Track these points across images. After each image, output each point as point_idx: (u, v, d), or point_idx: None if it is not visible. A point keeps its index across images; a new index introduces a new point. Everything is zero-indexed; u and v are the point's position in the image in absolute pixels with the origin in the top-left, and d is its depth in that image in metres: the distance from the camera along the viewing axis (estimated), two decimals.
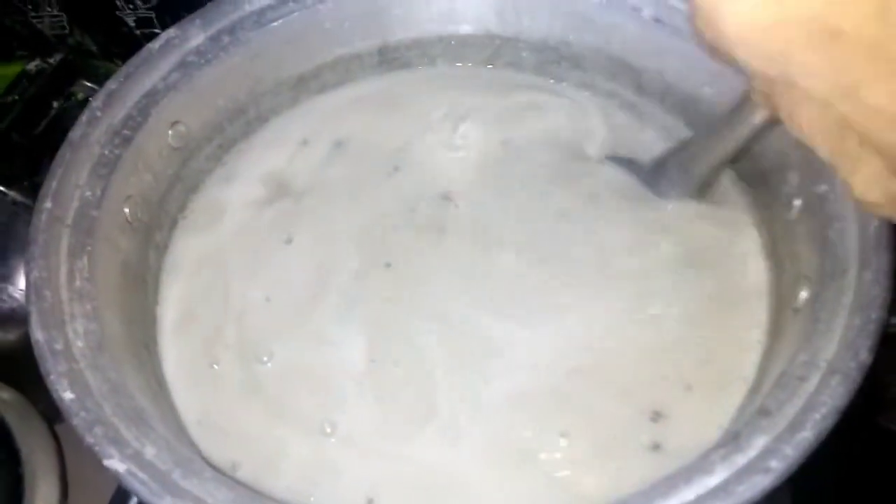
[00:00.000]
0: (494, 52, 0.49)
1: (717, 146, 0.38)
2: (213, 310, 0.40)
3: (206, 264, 0.42)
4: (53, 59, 0.44)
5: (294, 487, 0.33)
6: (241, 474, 0.34)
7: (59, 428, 0.54)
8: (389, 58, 0.50)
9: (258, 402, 0.37)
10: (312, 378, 0.37)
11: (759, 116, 0.34)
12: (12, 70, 0.49)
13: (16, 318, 0.57)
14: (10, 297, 0.57)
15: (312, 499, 0.33)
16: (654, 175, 0.42)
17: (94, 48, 0.60)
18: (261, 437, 0.35)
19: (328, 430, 0.35)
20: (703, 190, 0.41)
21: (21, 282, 0.57)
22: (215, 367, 0.38)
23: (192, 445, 0.34)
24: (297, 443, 0.35)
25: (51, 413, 0.54)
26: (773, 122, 0.33)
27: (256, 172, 0.46)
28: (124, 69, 0.41)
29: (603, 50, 0.46)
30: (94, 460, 0.56)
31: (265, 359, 0.38)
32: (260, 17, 0.44)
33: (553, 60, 0.49)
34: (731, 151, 0.37)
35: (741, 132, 0.36)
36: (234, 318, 0.40)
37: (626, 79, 0.47)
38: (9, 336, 0.58)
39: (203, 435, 0.35)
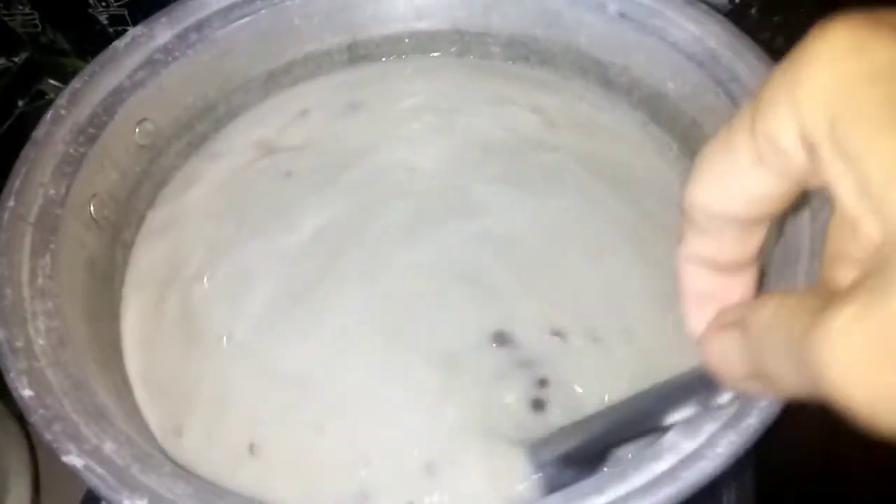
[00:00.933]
0: (464, 47, 0.50)
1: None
2: (175, 307, 0.40)
3: (169, 261, 0.43)
4: (19, 58, 0.44)
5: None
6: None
7: (32, 427, 0.54)
8: (359, 54, 0.50)
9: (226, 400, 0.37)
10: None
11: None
12: None
13: None
14: None
15: None
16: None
17: (66, 46, 0.60)
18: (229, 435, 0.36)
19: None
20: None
21: None
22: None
23: (155, 443, 0.35)
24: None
25: (21, 413, 0.54)
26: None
27: (222, 168, 0.46)
28: (89, 67, 0.41)
29: (571, 45, 0.47)
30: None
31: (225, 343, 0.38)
32: (227, 15, 0.44)
33: (522, 56, 0.49)
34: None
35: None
36: (196, 311, 0.40)
37: (593, 74, 0.47)
38: None
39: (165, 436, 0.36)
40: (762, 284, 0.33)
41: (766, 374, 0.19)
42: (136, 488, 0.26)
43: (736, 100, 0.38)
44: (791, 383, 0.17)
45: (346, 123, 0.47)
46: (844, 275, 0.17)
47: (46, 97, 0.50)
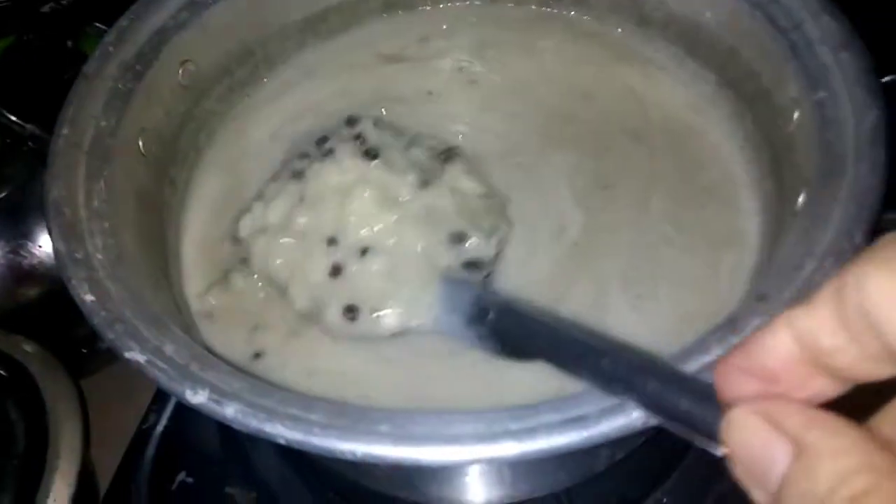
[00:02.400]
0: None
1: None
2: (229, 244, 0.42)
3: (222, 200, 0.44)
4: (66, 1, 0.45)
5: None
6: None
7: (82, 382, 0.56)
8: (394, 3, 0.51)
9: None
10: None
11: None
12: None
13: (36, 274, 0.58)
14: (31, 253, 0.59)
15: None
16: None
17: None
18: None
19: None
20: None
21: (41, 239, 0.58)
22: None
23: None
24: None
25: (73, 369, 0.56)
26: None
27: (276, 114, 0.47)
28: (135, 7, 0.42)
29: None
30: (115, 414, 0.57)
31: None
32: None
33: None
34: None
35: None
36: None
37: (627, 11, 0.47)
38: (30, 292, 0.59)
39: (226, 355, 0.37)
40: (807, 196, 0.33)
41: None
42: (197, 381, 0.27)
43: (774, 20, 0.38)
44: None
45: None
46: None
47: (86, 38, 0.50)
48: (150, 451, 0.51)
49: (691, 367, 0.27)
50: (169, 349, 0.29)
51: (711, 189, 0.41)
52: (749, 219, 0.40)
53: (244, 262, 0.41)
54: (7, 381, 0.56)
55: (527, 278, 0.38)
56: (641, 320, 0.36)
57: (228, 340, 0.38)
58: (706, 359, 0.27)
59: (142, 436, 0.51)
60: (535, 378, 0.32)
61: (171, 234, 0.42)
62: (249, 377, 0.29)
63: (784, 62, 0.38)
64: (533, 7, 0.50)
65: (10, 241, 0.59)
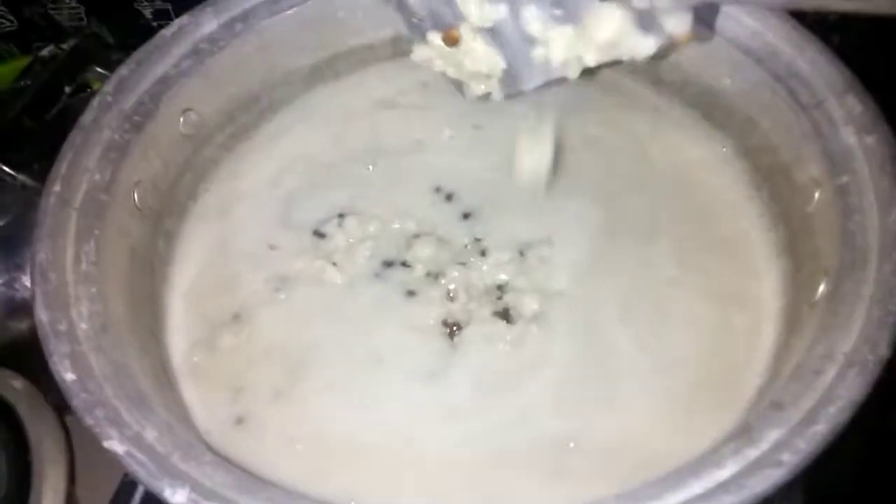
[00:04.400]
0: None
1: None
2: (221, 297, 0.40)
3: (215, 250, 0.42)
4: (67, 45, 0.44)
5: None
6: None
7: (68, 419, 0.55)
8: (403, 50, 0.50)
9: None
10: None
11: None
12: (27, 61, 0.49)
13: (28, 308, 0.57)
14: (24, 286, 0.57)
15: None
16: None
17: (110, 40, 0.61)
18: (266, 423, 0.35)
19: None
20: None
21: None
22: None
23: (195, 431, 0.34)
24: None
25: (61, 403, 0.54)
26: None
27: (268, 162, 0.46)
28: (136, 55, 0.41)
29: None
30: (102, 450, 0.56)
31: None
32: (273, 5, 0.44)
33: None
34: None
35: None
36: (242, 305, 0.40)
37: (642, 70, 0.46)
38: (21, 325, 0.58)
39: (208, 418, 0.35)
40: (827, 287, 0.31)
41: None
42: (177, 476, 0.26)
43: (796, 96, 0.37)
44: None
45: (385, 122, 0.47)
46: None
47: (89, 90, 0.50)
48: (139, 494, 0.49)
49: (704, 482, 0.25)
50: (150, 435, 0.27)
51: (722, 241, 0.40)
52: (763, 284, 0.38)
53: (236, 318, 0.39)
54: None
55: None
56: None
57: (210, 403, 0.37)
58: (721, 473, 0.25)
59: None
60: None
61: (160, 287, 0.40)
62: (234, 468, 0.27)
63: (805, 141, 0.36)
64: None
65: (3, 274, 0.57)
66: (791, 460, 0.25)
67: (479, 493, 0.34)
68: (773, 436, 0.26)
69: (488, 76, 0.38)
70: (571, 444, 0.34)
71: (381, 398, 0.37)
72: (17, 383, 0.56)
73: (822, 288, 0.32)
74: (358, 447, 0.35)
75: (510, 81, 0.38)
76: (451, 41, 0.37)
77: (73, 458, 0.55)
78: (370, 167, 0.45)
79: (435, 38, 0.38)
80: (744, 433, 0.26)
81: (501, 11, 0.35)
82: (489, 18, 0.36)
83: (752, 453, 0.25)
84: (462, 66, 0.38)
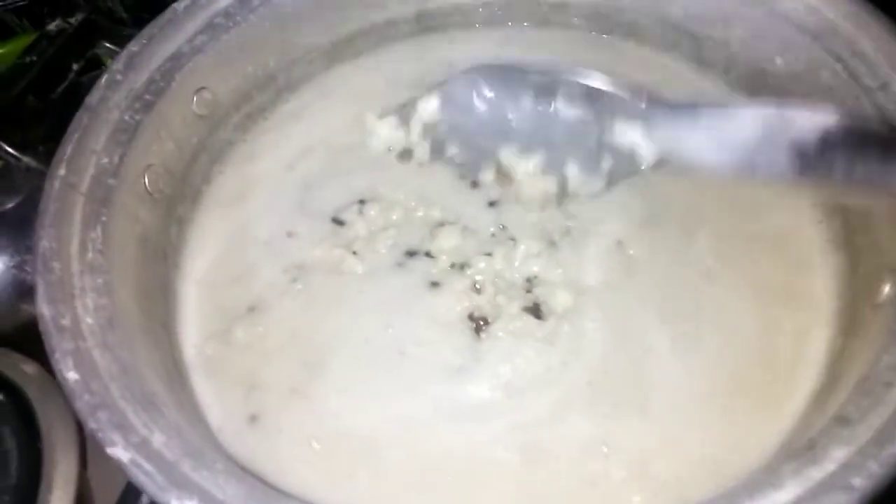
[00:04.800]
0: (542, 18, 0.46)
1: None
2: (237, 288, 0.38)
3: (231, 237, 0.40)
4: (75, 20, 0.42)
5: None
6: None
7: None
8: (427, 24, 0.47)
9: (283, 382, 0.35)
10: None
11: None
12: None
13: None
14: None
15: None
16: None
17: (123, 14, 0.58)
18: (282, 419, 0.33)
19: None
20: None
21: None
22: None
23: (208, 431, 0.32)
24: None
25: (69, 397, 0.53)
26: None
27: (286, 143, 0.43)
28: (147, 30, 0.38)
29: (661, 16, 0.43)
30: None
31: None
32: None
33: (605, 29, 0.45)
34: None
35: None
36: (258, 297, 0.38)
37: (685, 48, 0.43)
38: (33, 309, 0.56)
39: (221, 416, 0.33)
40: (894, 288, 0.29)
41: None
42: (185, 487, 0.24)
43: (857, 77, 0.34)
44: None
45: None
46: None
47: (103, 67, 0.48)
48: None
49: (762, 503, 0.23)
50: (158, 440, 0.25)
51: (769, 234, 0.37)
52: (815, 282, 0.35)
53: (252, 310, 0.37)
54: (3, 405, 0.54)
55: None
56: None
57: (224, 399, 0.35)
58: (779, 496, 0.23)
59: None
60: None
61: (174, 276, 0.38)
62: (247, 477, 0.25)
63: None
64: (582, 32, 0.46)
65: (14, 256, 0.56)
66: (863, 486, 0.22)
67: (507, 497, 0.32)
68: (839, 455, 0.23)
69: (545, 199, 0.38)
70: (604, 449, 0.32)
71: (403, 395, 0.34)
72: (29, 368, 0.55)
73: (887, 288, 0.30)
74: (379, 446, 0.33)
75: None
76: (505, 182, 0.39)
77: (84, 444, 0.54)
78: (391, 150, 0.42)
79: (487, 176, 0.40)
80: (806, 450, 0.24)
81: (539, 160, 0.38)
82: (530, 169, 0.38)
83: (817, 474, 0.23)
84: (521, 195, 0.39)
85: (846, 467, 0.23)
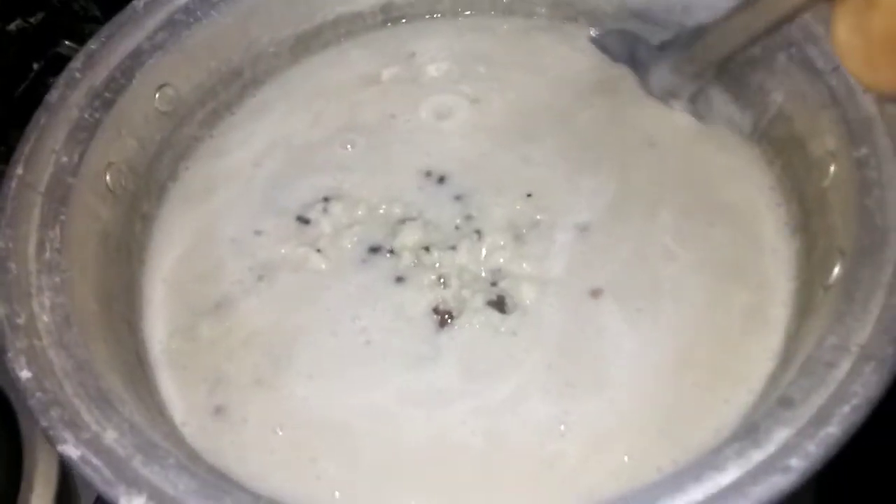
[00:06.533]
0: (506, 6, 0.46)
1: (738, 31, 0.34)
2: (204, 285, 0.38)
3: (197, 233, 0.40)
4: (35, 19, 0.42)
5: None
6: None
7: None
8: (393, 16, 0.47)
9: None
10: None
11: None
12: None
13: None
14: None
15: None
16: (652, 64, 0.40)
17: (97, 13, 0.58)
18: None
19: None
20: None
21: None
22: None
23: (171, 426, 0.32)
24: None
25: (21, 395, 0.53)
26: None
27: (251, 139, 0.43)
28: (106, 28, 0.38)
29: (624, 3, 0.43)
30: None
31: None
32: None
33: (570, 17, 0.45)
34: (762, 31, 0.33)
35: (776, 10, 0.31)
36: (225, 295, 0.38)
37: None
38: None
39: (185, 410, 0.34)
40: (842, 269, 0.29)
41: None
42: (134, 483, 0.24)
43: (810, 61, 0.34)
44: None
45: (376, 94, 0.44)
46: None
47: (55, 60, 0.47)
48: None
49: (706, 486, 0.23)
50: (110, 437, 0.26)
51: (728, 214, 0.37)
52: (772, 263, 0.36)
53: (218, 306, 0.37)
54: None
55: None
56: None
57: (188, 393, 0.35)
58: (722, 478, 0.23)
59: None
60: None
61: (139, 273, 0.38)
62: (199, 474, 0.25)
63: (821, 109, 0.34)
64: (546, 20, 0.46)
65: None
66: (799, 466, 0.22)
67: (469, 479, 0.32)
68: (780, 437, 0.24)
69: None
70: (562, 428, 0.32)
71: (368, 382, 0.35)
72: None
73: (836, 270, 0.30)
74: (344, 432, 0.33)
75: None
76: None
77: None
78: (350, 146, 0.42)
79: None
80: (749, 432, 0.24)
81: None
82: None
83: (757, 456, 0.23)
84: None
85: (786, 448, 0.23)
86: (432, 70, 0.44)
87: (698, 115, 0.40)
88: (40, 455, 0.52)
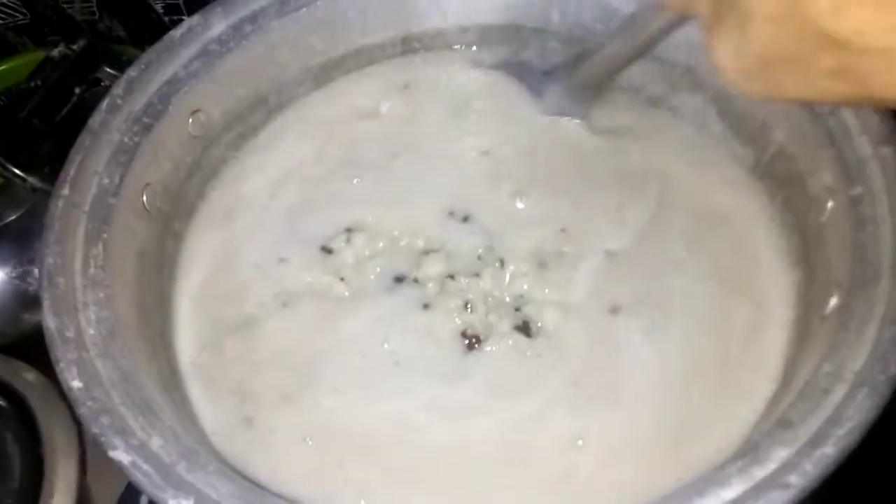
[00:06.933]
0: (522, 43, 0.48)
1: (617, 53, 0.39)
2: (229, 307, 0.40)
3: (223, 254, 0.42)
4: (77, 46, 0.44)
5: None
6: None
7: None
8: (413, 47, 0.49)
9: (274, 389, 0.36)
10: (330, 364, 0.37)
11: (661, 19, 0.35)
12: (40, 56, 0.49)
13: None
14: (37, 280, 0.58)
15: None
16: (546, 84, 0.45)
17: (122, 34, 0.61)
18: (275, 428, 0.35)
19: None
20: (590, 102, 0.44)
21: None
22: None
23: (202, 435, 0.34)
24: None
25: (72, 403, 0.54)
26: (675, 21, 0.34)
27: (276, 161, 0.46)
28: (145, 57, 0.41)
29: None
30: None
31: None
32: (283, 6, 0.44)
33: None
34: (630, 56, 0.39)
35: (645, 35, 0.37)
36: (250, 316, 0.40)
37: (656, 74, 0.45)
38: (34, 318, 0.58)
39: (215, 420, 0.35)
40: (838, 301, 0.31)
41: None
42: (181, 487, 0.26)
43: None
44: None
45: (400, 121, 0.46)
46: None
47: (102, 83, 0.50)
48: None
49: (710, 501, 0.25)
50: (156, 444, 0.27)
51: (735, 248, 0.40)
52: (773, 289, 0.38)
53: (243, 326, 0.39)
54: (5, 411, 0.55)
55: None
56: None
57: (217, 404, 0.37)
58: (726, 493, 0.25)
59: None
60: None
61: (170, 289, 0.40)
62: (239, 478, 0.27)
63: (820, 148, 0.36)
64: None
65: (17, 267, 0.58)
66: (798, 483, 0.24)
67: (489, 490, 0.34)
68: (780, 455, 0.25)
69: None
70: (580, 443, 0.34)
71: (396, 395, 0.36)
72: (30, 375, 0.57)
73: (833, 301, 0.32)
74: (370, 441, 0.35)
75: None
76: None
77: (84, 450, 0.56)
78: (359, 179, 0.44)
79: None
80: (751, 450, 0.26)
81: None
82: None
83: (759, 473, 0.25)
84: None
85: (785, 466, 0.25)
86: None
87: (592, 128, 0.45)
88: (60, 461, 0.53)
